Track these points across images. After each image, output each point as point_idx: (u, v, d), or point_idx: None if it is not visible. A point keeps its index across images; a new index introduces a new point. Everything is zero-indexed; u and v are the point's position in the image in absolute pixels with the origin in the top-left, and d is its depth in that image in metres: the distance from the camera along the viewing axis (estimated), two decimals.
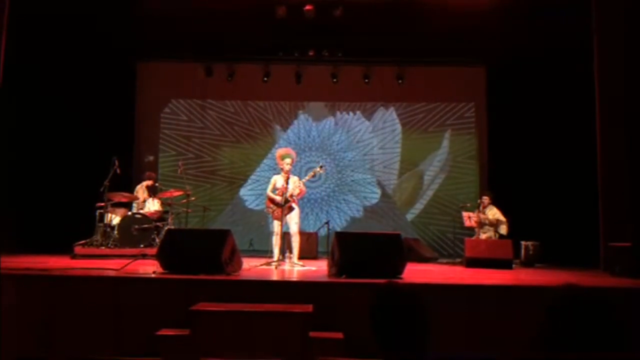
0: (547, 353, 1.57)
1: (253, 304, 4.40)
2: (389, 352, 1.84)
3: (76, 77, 9.23)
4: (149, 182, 8.57)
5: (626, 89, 7.06)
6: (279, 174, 7.16)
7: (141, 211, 8.06)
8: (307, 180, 7.13)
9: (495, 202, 8.46)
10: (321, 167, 7.31)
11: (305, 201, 9.74)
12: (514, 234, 8.00)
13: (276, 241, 6.94)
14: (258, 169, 10.69)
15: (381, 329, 1.88)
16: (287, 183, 6.93)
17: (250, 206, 10.63)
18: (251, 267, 6.34)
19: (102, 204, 7.82)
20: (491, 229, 8.34)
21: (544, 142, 9.05)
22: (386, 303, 1.93)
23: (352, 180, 10.73)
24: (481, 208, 8.46)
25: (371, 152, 10.79)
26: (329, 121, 10.87)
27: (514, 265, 7.32)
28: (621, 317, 1.56)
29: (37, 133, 8.72)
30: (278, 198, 6.93)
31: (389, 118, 10.83)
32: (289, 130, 10.83)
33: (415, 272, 5.93)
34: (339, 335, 4.21)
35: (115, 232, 7.70)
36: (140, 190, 8.47)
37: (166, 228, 7.32)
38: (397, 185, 10.72)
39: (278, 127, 10.84)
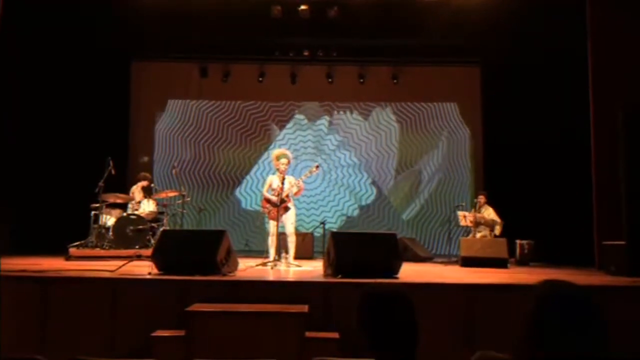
0: (534, 353, 1.56)
1: (249, 305, 4.40)
2: (378, 353, 1.84)
3: (70, 76, 9.20)
4: (145, 183, 8.53)
5: (621, 87, 7.10)
6: (274, 174, 7.16)
7: (136, 212, 8.03)
8: (304, 179, 7.13)
9: (489, 202, 8.49)
10: (317, 166, 7.31)
11: (301, 201, 9.74)
12: (509, 233, 8.02)
13: (272, 241, 6.92)
14: (253, 170, 10.68)
15: (368, 330, 1.88)
16: (282, 183, 6.93)
17: (246, 206, 10.62)
18: (247, 267, 6.32)
19: (97, 205, 7.80)
20: (487, 228, 8.36)
21: (539, 141, 9.07)
22: (372, 303, 1.92)
23: (348, 180, 10.73)
24: (477, 207, 8.48)
25: (367, 152, 10.80)
26: (324, 121, 10.87)
27: (509, 264, 7.34)
28: (604, 315, 1.55)
29: (30, 134, 8.68)
30: (274, 198, 6.93)
31: (384, 118, 10.84)
32: (284, 131, 10.83)
33: (410, 272, 5.93)
34: (335, 335, 4.20)
35: (110, 233, 7.67)
36: (136, 191, 8.43)
37: (161, 229, 7.30)
38: (393, 185, 10.73)
39: (273, 127, 10.83)
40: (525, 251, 7.99)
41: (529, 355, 1.55)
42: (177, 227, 8.14)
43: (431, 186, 10.67)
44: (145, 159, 10.54)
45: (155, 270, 5.24)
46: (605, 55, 7.41)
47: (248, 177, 10.68)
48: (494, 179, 9.66)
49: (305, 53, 10.31)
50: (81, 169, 8.71)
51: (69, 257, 7.15)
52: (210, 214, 10.39)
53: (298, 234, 7.48)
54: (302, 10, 8.94)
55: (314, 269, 6.52)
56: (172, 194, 8.42)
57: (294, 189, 7.01)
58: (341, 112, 10.86)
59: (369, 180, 10.74)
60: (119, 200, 8.13)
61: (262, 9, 9.01)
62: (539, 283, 1.66)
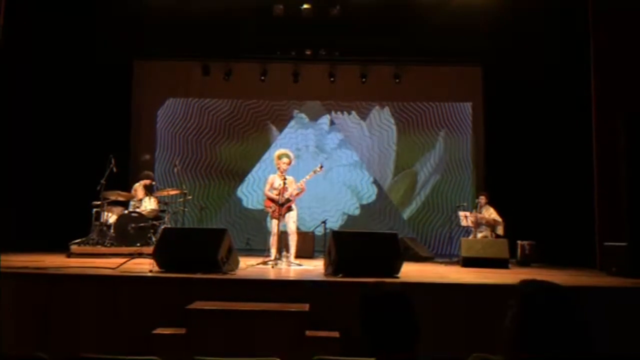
0: (519, 354, 1.56)
1: (249, 303, 4.41)
2: (379, 352, 1.84)
3: (72, 74, 9.20)
4: (147, 182, 8.53)
5: (623, 87, 7.10)
6: (275, 173, 7.17)
7: (138, 210, 8.04)
8: (307, 179, 7.13)
9: (491, 202, 8.48)
10: (320, 167, 7.31)
11: (302, 200, 9.74)
12: (511, 234, 8.01)
13: (273, 240, 6.93)
14: (255, 168, 10.68)
15: (369, 329, 1.88)
16: (283, 183, 6.93)
17: (247, 205, 10.63)
18: (248, 266, 6.33)
19: (99, 202, 7.81)
20: (488, 228, 8.35)
21: (540, 142, 9.06)
22: (373, 303, 1.92)
23: (349, 179, 10.73)
24: (478, 208, 8.48)
25: (367, 151, 10.80)
26: (326, 120, 10.87)
27: (510, 265, 7.33)
28: (584, 315, 1.55)
29: (33, 131, 8.68)
30: (277, 197, 6.94)
31: (385, 117, 10.84)
32: (286, 129, 10.83)
33: (411, 272, 5.93)
34: (335, 334, 4.21)
35: (112, 230, 7.69)
36: (138, 189, 8.43)
37: (163, 227, 7.30)
38: (392, 185, 10.74)
39: (275, 126, 10.83)
40: (527, 252, 7.97)
41: (515, 356, 1.55)
42: (179, 225, 8.15)
43: (432, 186, 10.66)
44: (147, 157, 10.54)
45: (156, 268, 5.25)
46: (608, 55, 7.40)
47: (249, 175, 10.69)
48: (495, 180, 9.65)
49: (308, 52, 10.30)
50: (83, 166, 8.73)
51: (70, 254, 7.16)
52: (212, 212, 10.39)
53: (299, 232, 7.49)
54: (305, 9, 8.95)
55: (314, 268, 6.53)
56: (173, 192, 8.43)
57: (296, 190, 7.02)
58: (343, 112, 10.85)
59: (371, 180, 10.74)
60: (120, 198, 8.14)
61: (265, 7, 9.02)
62: (520, 284, 1.65)
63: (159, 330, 4.26)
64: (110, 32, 9.18)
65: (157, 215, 8.16)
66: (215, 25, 9.22)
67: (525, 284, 1.65)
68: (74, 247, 7.34)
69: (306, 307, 4.35)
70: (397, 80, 10.53)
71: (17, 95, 8.06)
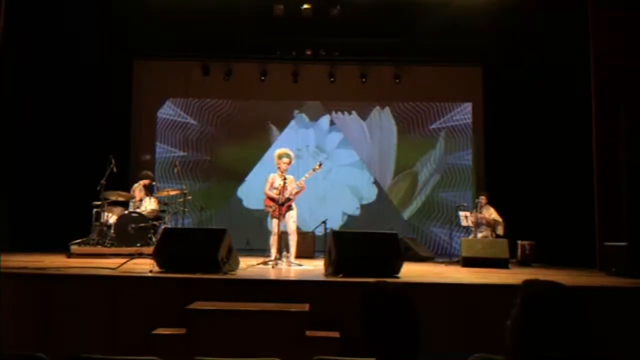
0: (520, 354, 1.56)
1: (250, 303, 4.40)
2: (379, 352, 1.84)
3: (72, 74, 9.21)
4: (147, 182, 8.54)
5: (623, 87, 7.10)
6: (275, 173, 7.17)
7: (138, 210, 8.04)
8: (307, 178, 7.13)
9: (491, 202, 8.48)
10: (320, 165, 7.31)
11: (302, 200, 9.74)
12: (511, 234, 8.01)
13: (274, 240, 6.93)
14: (255, 168, 10.67)
15: (370, 329, 1.88)
16: (283, 182, 6.93)
17: (247, 205, 10.62)
18: (248, 266, 6.33)
19: (99, 202, 7.81)
20: (488, 228, 8.36)
21: (540, 142, 9.07)
22: (374, 303, 1.92)
23: (349, 179, 10.72)
24: (478, 208, 8.48)
25: (368, 151, 10.79)
26: (326, 120, 10.86)
27: (510, 265, 7.33)
28: (586, 314, 1.55)
29: (33, 131, 8.68)
30: (277, 196, 6.94)
31: (385, 117, 10.84)
32: (286, 129, 10.83)
33: (412, 272, 5.93)
34: (336, 334, 4.20)
35: (112, 231, 7.68)
36: (137, 189, 8.43)
37: (163, 227, 7.30)
38: (392, 185, 10.73)
39: (274, 126, 10.83)
40: (527, 252, 7.97)
41: (516, 356, 1.55)
42: (179, 226, 8.15)
43: (432, 186, 10.66)
44: (147, 157, 10.54)
45: (156, 268, 5.24)
46: (608, 54, 7.40)
47: (250, 176, 10.68)
48: (495, 180, 9.65)
49: (308, 52, 10.31)
50: (83, 166, 8.72)
51: (70, 255, 7.16)
52: (212, 212, 10.39)
53: (299, 232, 7.49)
54: (305, 9, 8.95)
55: (315, 268, 6.53)
56: (173, 192, 8.43)
57: (296, 188, 7.02)
58: (343, 112, 10.85)
59: (371, 180, 10.74)
60: (120, 198, 8.14)
61: (265, 7, 9.02)
62: (523, 283, 1.65)
63: (159, 331, 4.25)
64: (110, 32, 9.18)
65: (157, 216, 8.16)
66: (215, 25, 9.22)
67: (528, 283, 1.65)
68: (74, 248, 7.34)
69: (306, 307, 4.34)
70: (397, 81, 10.53)
71: (17, 95, 8.05)
